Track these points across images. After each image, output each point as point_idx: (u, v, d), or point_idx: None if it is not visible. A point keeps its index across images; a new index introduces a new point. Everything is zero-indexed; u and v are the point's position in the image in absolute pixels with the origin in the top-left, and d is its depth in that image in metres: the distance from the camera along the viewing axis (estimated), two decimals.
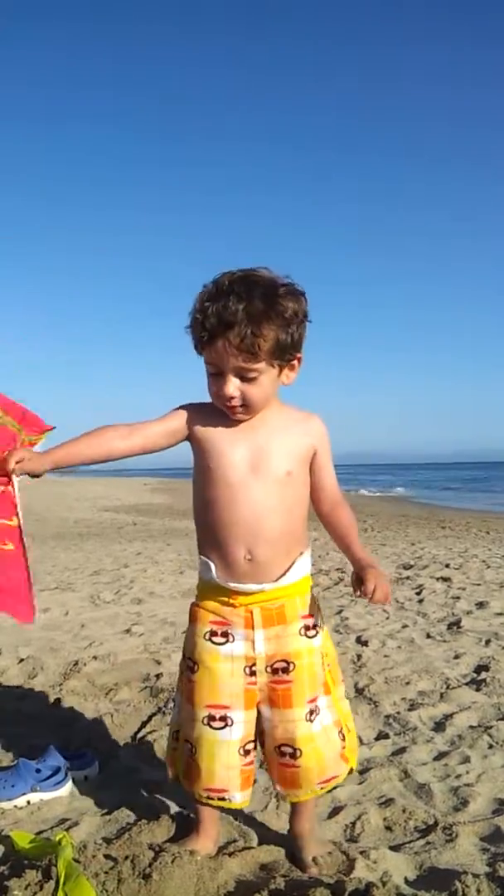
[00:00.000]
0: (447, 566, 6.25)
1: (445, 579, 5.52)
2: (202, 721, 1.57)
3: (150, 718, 2.52)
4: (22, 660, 3.26)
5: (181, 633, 3.77)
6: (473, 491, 28.45)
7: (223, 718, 1.56)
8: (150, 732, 2.38)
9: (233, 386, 1.48)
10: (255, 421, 1.57)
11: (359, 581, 1.53)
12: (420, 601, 4.68)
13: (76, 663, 3.18)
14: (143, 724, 2.47)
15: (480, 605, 4.49)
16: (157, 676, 3.00)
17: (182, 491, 27.94)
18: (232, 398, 1.49)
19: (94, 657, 3.29)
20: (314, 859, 1.61)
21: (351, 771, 1.69)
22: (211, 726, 1.57)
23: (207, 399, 1.57)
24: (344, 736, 1.64)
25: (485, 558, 6.78)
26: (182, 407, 1.63)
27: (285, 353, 1.49)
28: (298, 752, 1.56)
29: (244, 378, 1.48)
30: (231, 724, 1.56)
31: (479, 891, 1.43)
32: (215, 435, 1.57)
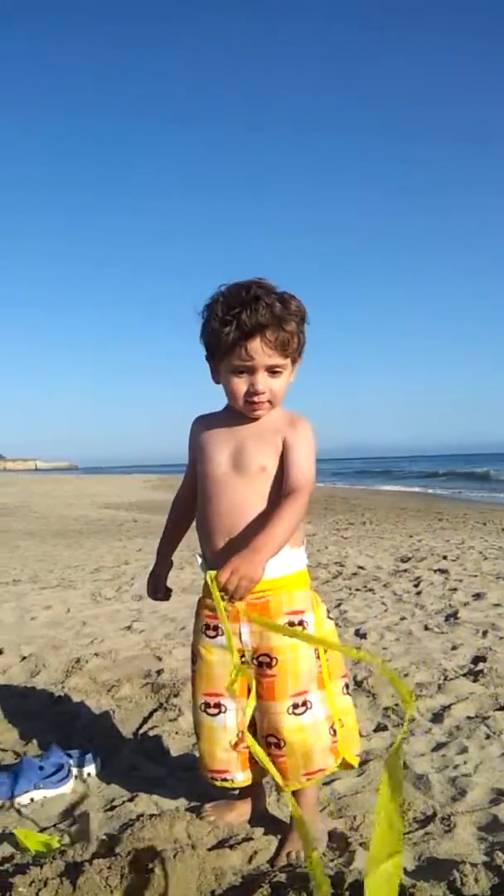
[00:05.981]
0: (445, 558, 6.28)
1: (443, 571, 5.55)
2: (200, 708, 1.72)
3: (151, 714, 2.54)
4: (24, 657, 3.28)
5: (181, 628, 3.80)
6: (471, 483, 28.49)
7: (217, 705, 1.69)
8: (151, 728, 2.40)
9: (263, 381, 1.61)
10: (240, 422, 1.68)
11: None
12: (418, 593, 4.71)
13: (78, 660, 3.20)
14: (145, 720, 2.50)
15: (477, 596, 4.52)
16: (159, 672, 3.02)
17: None
18: (263, 392, 1.62)
19: (96, 654, 3.31)
20: (288, 854, 1.63)
21: (348, 765, 1.71)
22: (207, 713, 1.70)
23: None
24: (335, 731, 1.66)
25: (482, 550, 6.81)
26: (192, 428, 1.79)
27: (301, 350, 1.66)
28: (283, 743, 1.62)
29: (272, 373, 1.62)
30: (225, 711, 1.68)
31: (476, 880, 1.46)
32: (207, 438, 1.72)
